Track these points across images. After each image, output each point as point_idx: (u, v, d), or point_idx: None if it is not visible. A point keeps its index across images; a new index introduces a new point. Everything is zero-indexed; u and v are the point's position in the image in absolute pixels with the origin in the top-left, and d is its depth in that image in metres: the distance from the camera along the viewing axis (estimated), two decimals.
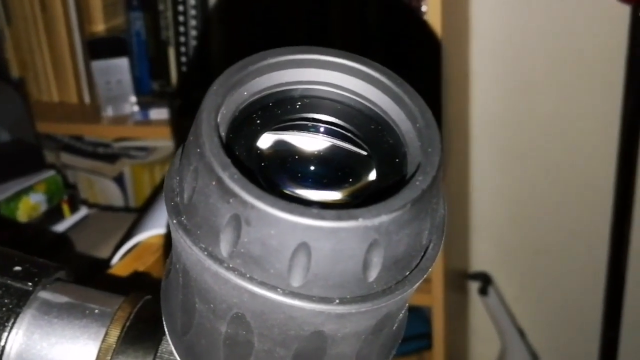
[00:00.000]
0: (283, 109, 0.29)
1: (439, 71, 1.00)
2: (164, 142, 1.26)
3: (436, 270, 1.06)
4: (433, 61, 1.00)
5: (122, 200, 1.32)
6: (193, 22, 1.19)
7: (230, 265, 0.25)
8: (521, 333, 1.38)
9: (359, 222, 0.23)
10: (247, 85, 0.27)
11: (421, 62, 1.08)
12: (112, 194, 1.31)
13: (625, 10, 1.10)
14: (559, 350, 1.44)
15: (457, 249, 1.29)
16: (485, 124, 1.30)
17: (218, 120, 0.26)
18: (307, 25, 1.14)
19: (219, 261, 0.25)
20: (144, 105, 1.20)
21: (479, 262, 1.41)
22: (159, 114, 1.19)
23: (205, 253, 0.25)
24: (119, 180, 1.31)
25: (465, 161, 1.31)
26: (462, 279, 1.37)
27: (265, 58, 0.27)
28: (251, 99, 0.28)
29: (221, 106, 0.26)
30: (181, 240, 0.26)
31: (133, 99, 1.21)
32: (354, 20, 1.11)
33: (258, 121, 0.28)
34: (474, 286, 1.38)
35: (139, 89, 1.23)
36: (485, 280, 1.35)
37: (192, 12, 1.18)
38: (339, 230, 0.23)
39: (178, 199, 0.27)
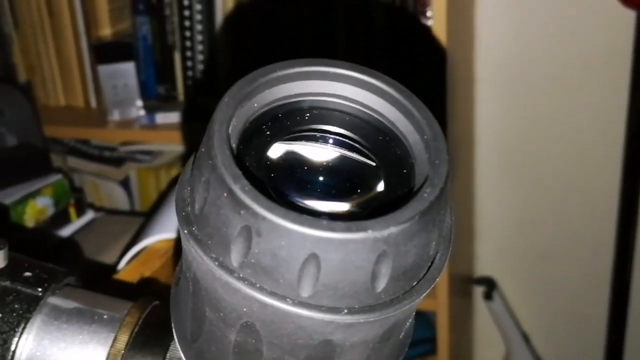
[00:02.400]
0: (292, 120, 0.29)
1: (444, 77, 1.01)
2: (169, 146, 1.27)
3: None
4: (438, 67, 1.00)
5: (127, 204, 1.32)
6: (199, 27, 1.19)
7: (241, 275, 0.25)
8: (526, 338, 1.37)
9: (368, 234, 0.24)
10: (257, 97, 0.28)
11: (426, 68, 1.08)
12: (117, 198, 1.32)
13: (631, 16, 1.10)
14: (563, 355, 1.44)
15: (462, 254, 1.29)
16: (490, 129, 1.30)
17: (229, 132, 0.26)
18: (312, 30, 1.15)
19: (230, 271, 0.25)
20: (150, 109, 1.20)
21: (483, 267, 1.40)
22: (165, 118, 1.19)
23: (216, 263, 0.25)
24: (125, 184, 1.31)
25: (470, 166, 1.31)
26: (466, 284, 1.37)
27: (275, 70, 0.28)
28: (261, 111, 0.28)
29: (232, 118, 0.26)
30: (192, 250, 0.26)
31: (139, 103, 1.21)
32: (359, 26, 1.11)
33: (268, 132, 0.29)
34: (478, 291, 1.38)
35: (145, 93, 1.24)
36: (490, 285, 1.35)
37: (198, 16, 1.18)
38: (349, 241, 0.24)
39: (189, 209, 0.27)
